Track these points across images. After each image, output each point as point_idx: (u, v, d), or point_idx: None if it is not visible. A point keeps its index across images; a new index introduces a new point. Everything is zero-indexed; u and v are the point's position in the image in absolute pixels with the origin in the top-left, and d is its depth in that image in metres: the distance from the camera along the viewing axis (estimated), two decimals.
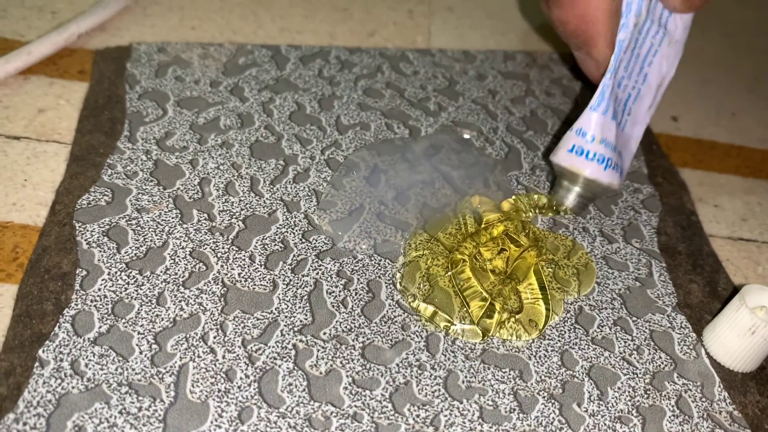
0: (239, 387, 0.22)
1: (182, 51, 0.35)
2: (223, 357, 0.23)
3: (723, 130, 0.39)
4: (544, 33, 0.42)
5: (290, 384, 0.22)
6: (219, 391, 0.22)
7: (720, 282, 0.29)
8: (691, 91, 0.41)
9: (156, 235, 0.26)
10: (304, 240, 0.27)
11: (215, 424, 0.21)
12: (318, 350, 0.23)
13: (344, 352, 0.23)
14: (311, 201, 0.28)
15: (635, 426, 0.23)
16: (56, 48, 0.34)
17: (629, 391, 0.24)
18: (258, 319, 0.24)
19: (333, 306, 0.25)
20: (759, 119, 0.40)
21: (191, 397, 0.21)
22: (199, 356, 0.22)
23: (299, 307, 0.25)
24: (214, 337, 0.23)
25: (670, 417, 0.24)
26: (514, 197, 0.30)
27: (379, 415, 0.22)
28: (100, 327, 0.23)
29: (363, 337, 0.24)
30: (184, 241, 0.26)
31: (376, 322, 0.25)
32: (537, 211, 0.30)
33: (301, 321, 0.24)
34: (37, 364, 0.21)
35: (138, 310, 0.23)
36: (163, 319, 0.23)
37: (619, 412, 0.23)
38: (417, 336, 0.24)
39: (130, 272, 0.24)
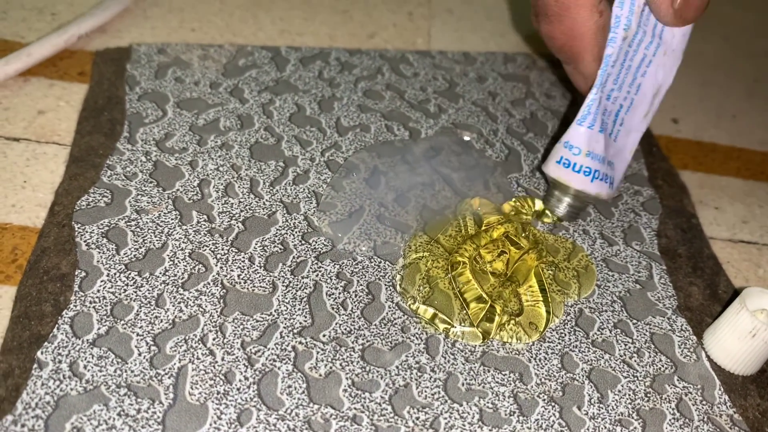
0: (238, 389, 0.22)
1: (182, 52, 0.35)
2: (223, 359, 0.23)
3: (723, 132, 0.39)
4: None
5: (290, 386, 0.22)
6: (218, 393, 0.22)
7: (720, 285, 0.29)
8: (691, 93, 0.41)
9: (155, 237, 0.26)
10: (303, 242, 0.27)
11: (214, 426, 0.21)
12: (317, 352, 0.23)
13: (344, 354, 0.23)
14: (311, 203, 0.28)
15: (635, 429, 0.23)
16: (56, 49, 0.34)
17: (629, 394, 0.24)
18: (257, 321, 0.24)
19: (332, 308, 0.25)
20: (759, 121, 0.40)
21: (190, 399, 0.21)
22: (198, 358, 0.22)
23: (299, 309, 0.24)
24: (214, 339, 0.23)
25: (670, 420, 0.23)
26: (514, 200, 0.30)
27: (379, 418, 0.22)
28: (99, 328, 0.23)
29: (363, 339, 0.24)
30: (183, 242, 0.26)
31: (375, 324, 0.24)
32: (535, 216, 0.30)
33: (300, 323, 0.24)
34: (35, 365, 0.21)
35: (137, 311, 0.23)
36: (162, 321, 0.23)
37: (619, 415, 0.23)
38: (417, 338, 0.24)
39: (129, 273, 0.24)
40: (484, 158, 0.32)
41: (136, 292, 0.24)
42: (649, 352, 0.25)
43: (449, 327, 0.25)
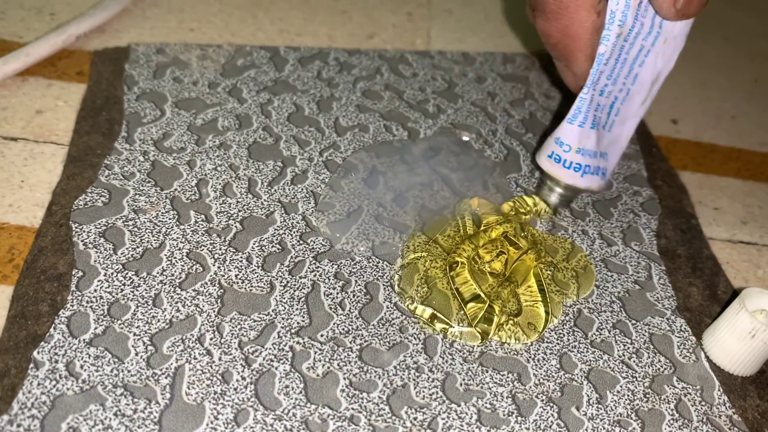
0: (235, 389, 0.22)
1: (181, 52, 0.35)
2: (220, 359, 0.22)
3: (723, 133, 0.39)
4: None
5: (287, 386, 0.22)
6: (215, 393, 0.22)
7: (720, 285, 0.28)
8: (691, 94, 0.41)
9: (153, 236, 0.26)
10: (301, 242, 0.27)
11: (211, 426, 0.21)
12: (315, 352, 0.23)
13: (341, 354, 0.23)
14: (309, 203, 0.28)
15: (634, 430, 0.23)
16: (55, 49, 0.34)
17: (628, 395, 0.24)
18: (255, 321, 0.24)
19: (330, 308, 0.25)
20: (759, 122, 0.40)
21: (187, 399, 0.21)
22: (195, 358, 0.22)
23: (296, 309, 0.24)
24: (211, 339, 0.23)
25: (669, 421, 0.23)
26: (513, 200, 0.30)
27: (377, 418, 0.22)
28: (95, 328, 0.23)
29: (360, 339, 0.24)
30: (181, 242, 0.26)
31: (373, 324, 0.24)
32: (534, 215, 0.30)
33: (298, 323, 0.24)
34: (31, 365, 0.21)
35: (134, 311, 0.23)
36: (159, 321, 0.23)
37: (618, 416, 0.23)
38: (415, 338, 0.24)
39: (127, 273, 0.24)
40: (482, 158, 0.32)
41: (133, 291, 0.24)
42: (648, 353, 0.25)
43: (447, 327, 0.25)
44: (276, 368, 0.23)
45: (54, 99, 0.32)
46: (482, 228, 0.28)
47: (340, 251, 0.27)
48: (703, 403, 0.24)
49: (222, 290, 0.24)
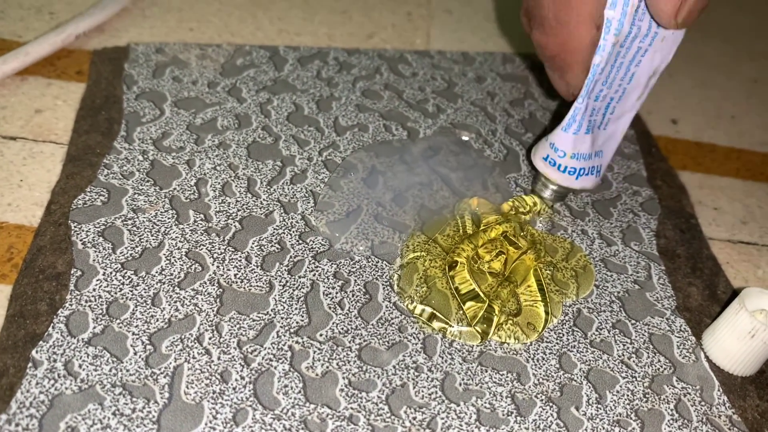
0: (234, 388, 0.22)
1: (180, 52, 0.35)
2: (219, 358, 0.22)
3: (723, 133, 0.39)
4: None
5: (286, 386, 0.22)
6: (214, 392, 0.22)
7: (719, 285, 0.28)
8: (690, 94, 0.41)
9: (152, 236, 0.26)
10: (300, 241, 0.27)
11: (210, 425, 0.21)
12: (314, 352, 0.23)
13: (341, 353, 0.23)
14: (308, 202, 0.28)
15: (634, 430, 0.23)
16: (54, 49, 0.34)
17: (628, 395, 0.24)
18: (254, 321, 0.24)
19: (330, 307, 0.25)
20: (759, 122, 0.40)
21: (186, 398, 0.21)
22: (194, 357, 0.22)
23: (295, 309, 0.24)
24: (210, 338, 0.23)
25: (669, 421, 0.23)
26: (512, 199, 0.30)
27: (376, 418, 0.22)
28: (94, 327, 0.23)
29: (359, 339, 0.24)
30: (180, 241, 0.26)
31: (372, 324, 0.24)
32: (534, 214, 0.30)
33: (297, 322, 0.24)
34: (30, 364, 0.21)
35: (133, 310, 0.23)
36: (158, 320, 0.23)
37: (617, 416, 0.23)
38: (414, 338, 0.24)
39: (126, 272, 0.24)
40: (482, 158, 0.32)
41: (132, 291, 0.24)
42: (648, 353, 0.25)
43: (447, 326, 0.25)
44: (275, 368, 0.22)
45: (53, 98, 0.32)
46: (482, 228, 0.28)
47: (340, 251, 0.27)
48: (702, 403, 0.24)
49: (221, 290, 0.24)
